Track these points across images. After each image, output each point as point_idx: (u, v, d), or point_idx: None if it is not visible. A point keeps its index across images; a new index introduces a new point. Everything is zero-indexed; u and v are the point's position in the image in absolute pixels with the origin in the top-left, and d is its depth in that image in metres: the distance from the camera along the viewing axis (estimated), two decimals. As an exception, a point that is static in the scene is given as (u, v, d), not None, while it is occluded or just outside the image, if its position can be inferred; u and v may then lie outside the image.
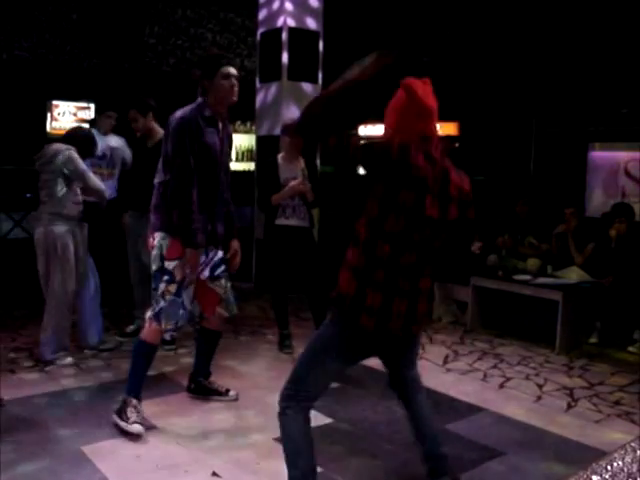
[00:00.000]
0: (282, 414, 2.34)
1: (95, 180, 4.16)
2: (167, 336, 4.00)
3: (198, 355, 3.62)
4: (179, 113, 3.12)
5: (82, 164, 4.06)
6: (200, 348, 3.62)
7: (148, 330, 3.17)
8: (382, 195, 2.18)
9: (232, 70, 3.16)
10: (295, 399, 2.32)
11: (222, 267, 3.36)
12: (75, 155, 4.03)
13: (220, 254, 3.36)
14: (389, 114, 2.32)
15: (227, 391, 3.62)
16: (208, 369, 3.64)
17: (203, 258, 3.26)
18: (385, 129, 2.34)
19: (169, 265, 3.11)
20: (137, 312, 4.62)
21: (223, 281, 3.37)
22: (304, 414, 2.33)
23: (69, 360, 4.12)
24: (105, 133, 5.22)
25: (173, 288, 3.12)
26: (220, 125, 3.25)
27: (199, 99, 3.17)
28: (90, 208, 4.95)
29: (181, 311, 3.16)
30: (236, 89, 3.17)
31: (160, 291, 3.13)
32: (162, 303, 3.12)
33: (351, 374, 4.09)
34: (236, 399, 3.60)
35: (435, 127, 2.29)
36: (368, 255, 2.20)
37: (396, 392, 2.60)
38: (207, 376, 3.64)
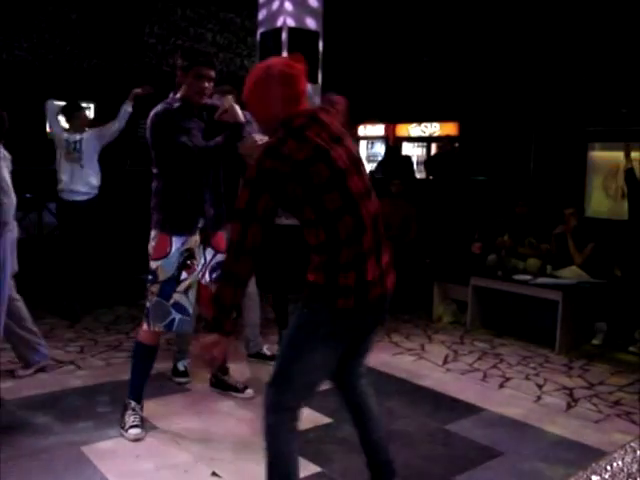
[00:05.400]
0: (268, 429, 2.16)
1: None
2: (181, 366, 3.90)
3: None
4: (152, 111, 3.08)
5: None
6: None
7: (141, 331, 3.17)
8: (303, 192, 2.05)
9: (207, 72, 3.06)
10: (281, 408, 2.16)
11: (220, 271, 3.32)
12: None
13: (219, 257, 3.28)
14: (255, 101, 2.20)
15: (244, 388, 3.69)
16: (224, 365, 3.71)
17: (202, 261, 3.24)
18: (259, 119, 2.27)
19: (153, 265, 3.10)
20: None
21: None
22: (292, 425, 2.18)
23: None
24: (80, 130, 5.25)
25: (156, 289, 3.09)
26: (199, 116, 3.15)
27: (171, 95, 3.13)
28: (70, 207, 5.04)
29: (174, 315, 3.10)
30: (207, 91, 3.09)
31: (148, 291, 3.13)
32: (148, 304, 3.13)
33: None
34: (252, 397, 3.62)
35: (303, 104, 2.19)
36: (330, 245, 2.07)
37: (341, 391, 2.46)
38: (224, 372, 3.72)
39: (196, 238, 3.18)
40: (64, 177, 5.20)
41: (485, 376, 4.24)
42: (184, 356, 3.93)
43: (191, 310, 3.19)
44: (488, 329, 5.36)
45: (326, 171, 2.06)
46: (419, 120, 11.36)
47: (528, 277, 5.22)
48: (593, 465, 1.23)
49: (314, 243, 2.12)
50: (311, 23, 6.54)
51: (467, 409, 3.61)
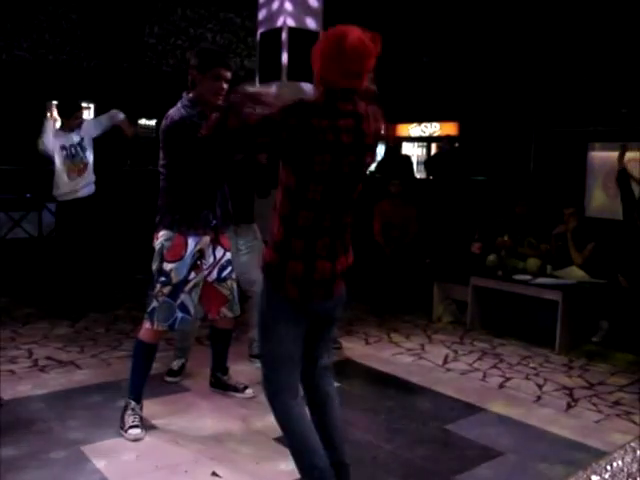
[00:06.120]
0: (276, 416, 2.30)
1: None
2: (175, 365, 3.93)
3: (213, 353, 3.72)
4: (172, 112, 3.08)
5: None
6: (214, 347, 3.71)
7: (143, 329, 3.18)
8: (295, 163, 2.12)
9: (225, 73, 3.08)
10: (276, 391, 2.28)
11: (229, 269, 3.36)
12: None
13: (228, 256, 3.36)
14: (314, 60, 2.17)
15: (244, 388, 3.68)
16: (224, 365, 3.72)
17: (211, 260, 3.27)
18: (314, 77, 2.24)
19: (167, 267, 3.10)
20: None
21: (229, 282, 3.37)
22: (293, 404, 2.28)
23: None
24: (72, 130, 5.22)
25: (167, 290, 3.11)
26: None
27: (184, 95, 3.12)
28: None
29: (177, 314, 3.14)
30: (223, 92, 3.09)
31: (155, 291, 3.13)
32: (155, 303, 3.13)
33: (350, 374, 4.11)
34: (253, 397, 3.61)
35: (362, 82, 2.15)
36: (288, 225, 2.17)
37: (306, 392, 2.43)
38: (224, 372, 3.72)
39: (207, 238, 3.21)
40: (67, 188, 5.15)
41: (485, 376, 4.24)
42: (183, 354, 3.93)
43: (193, 309, 3.21)
44: (488, 329, 5.36)
45: (326, 165, 2.11)
46: (419, 120, 11.37)
47: (528, 277, 5.22)
48: (593, 465, 1.23)
49: (278, 207, 2.20)
50: (311, 23, 6.54)
51: (467, 409, 3.61)
